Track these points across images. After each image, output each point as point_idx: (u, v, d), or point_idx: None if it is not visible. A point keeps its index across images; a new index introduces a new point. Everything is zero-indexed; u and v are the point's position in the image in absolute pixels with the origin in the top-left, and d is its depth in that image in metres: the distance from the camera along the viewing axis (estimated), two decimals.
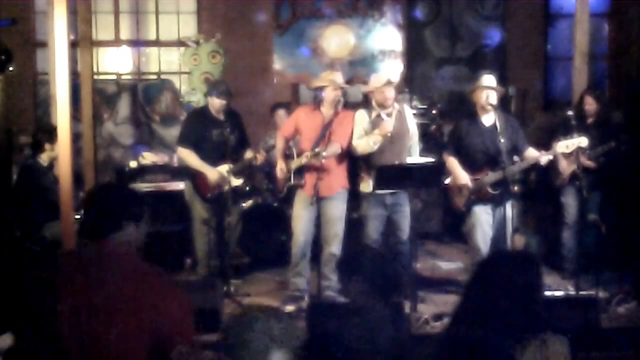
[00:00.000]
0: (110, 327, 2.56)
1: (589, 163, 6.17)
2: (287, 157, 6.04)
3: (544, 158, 5.85)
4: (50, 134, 6.10)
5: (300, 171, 5.92)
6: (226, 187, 6.11)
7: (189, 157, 6.27)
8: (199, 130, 6.29)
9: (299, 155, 5.93)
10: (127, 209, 2.77)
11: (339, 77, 5.99)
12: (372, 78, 6.05)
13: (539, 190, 7.36)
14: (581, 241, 6.30)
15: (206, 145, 6.25)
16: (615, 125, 6.79)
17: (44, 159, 6.21)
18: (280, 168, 6.03)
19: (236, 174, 6.24)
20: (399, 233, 5.95)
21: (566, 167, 6.30)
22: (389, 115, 5.87)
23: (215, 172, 6.17)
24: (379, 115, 5.88)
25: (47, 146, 6.16)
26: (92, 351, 2.57)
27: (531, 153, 5.92)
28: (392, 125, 5.77)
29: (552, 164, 6.16)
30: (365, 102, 6.28)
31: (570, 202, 6.44)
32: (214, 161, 6.19)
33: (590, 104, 6.36)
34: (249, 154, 6.34)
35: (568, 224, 6.47)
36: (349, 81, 7.36)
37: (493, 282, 2.56)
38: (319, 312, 4.67)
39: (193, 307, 2.72)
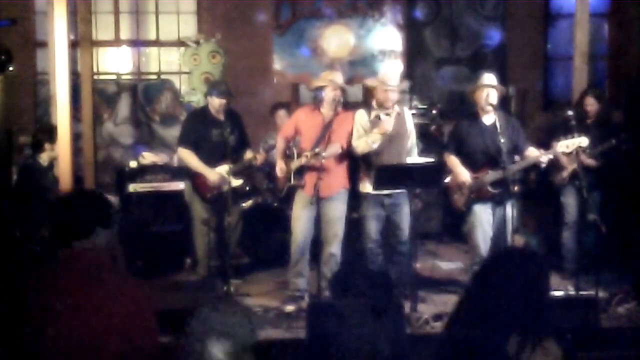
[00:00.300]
0: (77, 331, 2.60)
1: (590, 161, 6.17)
2: (287, 157, 6.04)
3: (544, 157, 5.85)
4: (50, 133, 6.09)
5: (300, 171, 5.92)
6: (226, 188, 6.11)
7: (189, 157, 6.27)
8: (199, 130, 6.29)
9: (299, 155, 5.94)
10: (96, 215, 2.83)
11: (338, 77, 6.00)
12: (383, 74, 6.02)
13: (539, 190, 7.35)
14: (581, 241, 6.30)
15: (206, 146, 6.25)
16: (616, 124, 6.76)
17: (44, 158, 6.20)
18: (280, 168, 6.03)
19: (236, 174, 6.23)
20: (398, 233, 5.94)
21: (567, 165, 6.30)
22: (388, 115, 5.87)
23: (214, 174, 6.16)
24: (377, 115, 5.88)
25: (47, 146, 6.16)
26: (63, 353, 2.60)
27: (532, 152, 5.93)
28: (391, 124, 5.77)
29: (553, 163, 6.16)
30: (365, 101, 6.28)
31: (570, 202, 6.43)
32: (214, 161, 6.19)
33: (592, 104, 6.35)
34: (248, 154, 6.34)
35: (568, 224, 6.46)
36: (349, 81, 7.36)
37: (495, 282, 2.54)
38: (319, 312, 4.67)
39: (156, 308, 2.79)
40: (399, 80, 5.94)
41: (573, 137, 5.80)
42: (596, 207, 6.43)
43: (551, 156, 5.90)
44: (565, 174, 6.36)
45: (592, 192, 6.11)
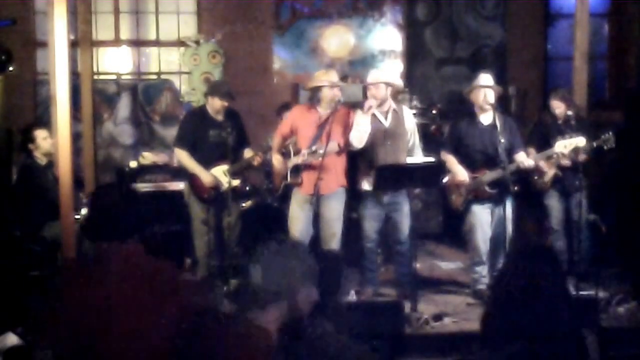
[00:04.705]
0: (124, 328, 2.54)
1: (566, 162, 6.05)
2: (284, 155, 6.04)
3: (527, 162, 5.82)
4: (26, 134, 6.13)
5: (297, 170, 5.91)
6: (225, 187, 6.10)
7: (184, 158, 6.26)
8: (196, 130, 6.27)
9: (296, 153, 5.93)
10: (142, 211, 2.79)
11: (334, 76, 5.99)
12: (370, 73, 6.04)
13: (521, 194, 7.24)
14: (580, 242, 6.25)
15: (204, 146, 6.24)
16: (587, 123, 6.47)
17: (41, 158, 6.19)
18: (276, 166, 6.03)
19: (235, 174, 6.22)
20: (398, 233, 5.94)
21: (547, 170, 6.21)
22: (382, 113, 5.88)
23: (209, 176, 6.15)
24: (374, 115, 5.87)
25: (31, 146, 6.16)
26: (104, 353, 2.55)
27: (520, 157, 5.90)
28: (373, 104, 5.74)
29: (533, 169, 6.09)
30: (364, 100, 6.28)
31: (554, 204, 6.33)
32: (213, 161, 6.18)
33: (558, 107, 6.17)
34: (248, 154, 6.33)
35: (554, 228, 6.37)
36: (343, 78, 7.35)
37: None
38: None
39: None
40: (386, 79, 5.91)
41: (571, 137, 5.77)
42: (584, 206, 6.21)
43: (532, 162, 5.86)
44: (546, 178, 6.26)
45: (576, 193, 6.02)
